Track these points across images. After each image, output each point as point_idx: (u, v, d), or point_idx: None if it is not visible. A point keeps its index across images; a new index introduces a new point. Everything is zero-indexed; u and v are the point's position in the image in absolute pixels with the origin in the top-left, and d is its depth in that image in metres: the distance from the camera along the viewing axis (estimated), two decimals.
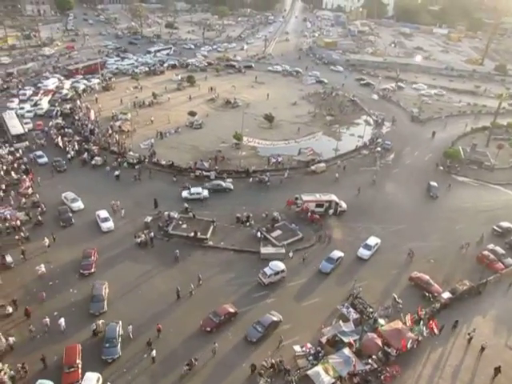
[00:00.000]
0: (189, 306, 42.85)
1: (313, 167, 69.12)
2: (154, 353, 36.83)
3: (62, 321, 38.81)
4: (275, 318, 40.86)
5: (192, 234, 51.28)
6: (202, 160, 67.91)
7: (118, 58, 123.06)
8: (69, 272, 45.37)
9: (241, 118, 68.36)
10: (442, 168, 72.97)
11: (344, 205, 59.00)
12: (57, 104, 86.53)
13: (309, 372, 36.01)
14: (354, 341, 38.81)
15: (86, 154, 67.34)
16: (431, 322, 40.99)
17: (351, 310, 42.41)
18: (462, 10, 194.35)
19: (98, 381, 33.94)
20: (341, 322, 40.86)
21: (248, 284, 45.91)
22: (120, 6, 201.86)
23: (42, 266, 44.86)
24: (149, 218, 53.49)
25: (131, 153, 68.19)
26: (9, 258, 45.45)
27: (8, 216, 51.89)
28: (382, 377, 36.56)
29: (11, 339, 37.08)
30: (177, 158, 67.92)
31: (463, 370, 38.77)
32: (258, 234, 52.79)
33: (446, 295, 45.31)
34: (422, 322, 41.02)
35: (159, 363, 36.81)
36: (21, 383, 34.28)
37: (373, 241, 52.08)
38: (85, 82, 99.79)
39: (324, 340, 39.19)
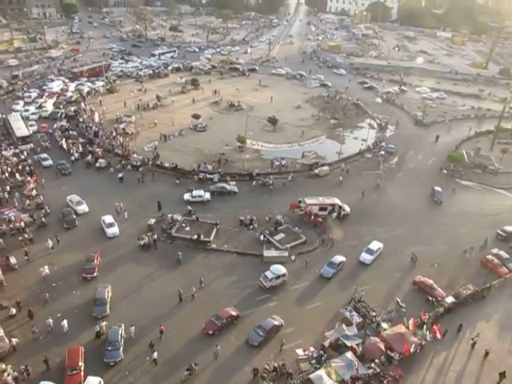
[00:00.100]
0: (191, 308, 42.87)
1: (316, 170, 69.09)
2: (155, 355, 36.88)
3: (64, 322, 38.94)
4: (277, 322, 40.76)
5: (195, 237, 51.32)
6: (206, 163, 68.02)
7: (122, 60, 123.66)
8: (72, 274, 45.53)
9: (244, 120, 68.54)
10: (445, 172, 72.75)
11: (347, 208, 58.92)
12: (61, 106, 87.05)
13: (311, 376, 35.91)
14: (357, 345, 38.68)
15: (90, 156, 67.64)
16: (434, 326, 40.81)
17: (354, 313, 42.28)
18: (466, 13, 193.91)
19: None
20: (344, 325, 40.75)
21: (251, 287, 45.87)
22: (125, 9, 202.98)
23: (46, 267, 45.05)
24: (152, 221, 53.57)
25: (135, 155, 68.40)
26: (13, 260, 45.66)
27: (12, 217, 52.13)
28: (385, 381, 36.40)
29: (14, 340, 37.23)
30: (180, 161, 68.06)
31: (467, 375, 38.56)
32: (261, 237, 52.79)
33: (450, 299, 45.10)
34: (425, 327, 40.86)
35: (161, 366, 36.84)
36: None
37: (375, 245, 51.90)
38: (89, 84, 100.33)
39: (327, 344, 39.08)
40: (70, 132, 75.96)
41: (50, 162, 65.66)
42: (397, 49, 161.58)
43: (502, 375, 37.59)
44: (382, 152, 77.36)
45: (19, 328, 39.30)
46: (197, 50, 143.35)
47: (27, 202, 55.85)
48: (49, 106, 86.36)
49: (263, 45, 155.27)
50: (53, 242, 48.82)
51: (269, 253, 50.25)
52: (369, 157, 76.60)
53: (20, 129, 72.00)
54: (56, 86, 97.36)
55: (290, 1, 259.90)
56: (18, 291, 42.99)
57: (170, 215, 54.77)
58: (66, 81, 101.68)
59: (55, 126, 77.90)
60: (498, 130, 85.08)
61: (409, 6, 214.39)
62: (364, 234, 55.53)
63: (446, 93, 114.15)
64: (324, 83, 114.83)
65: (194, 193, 59.85)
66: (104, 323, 39.34)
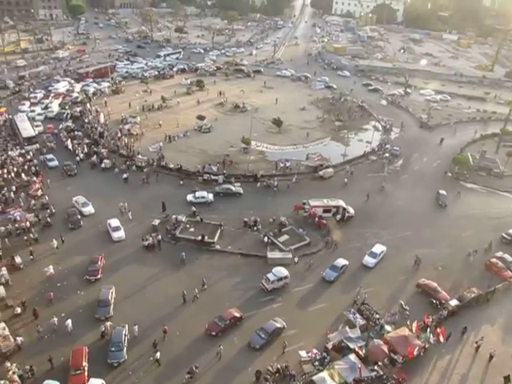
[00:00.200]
0: (195, 309, 42.96)
1: (321, 172, 69.07)
2: (158, 355, 36.98)
3: (69, 322, 39.14)
4: (279, 325, 40.72)
5: (199, 238, 51.43)
6: (210, 164, 68.17)
7: (127, 61, 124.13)
8: (77, 274, 45.71)
9: (249, 122, 68.66)
10: (450, 174, 72.55)
11: (351, 210, 58.87)
12: (67, 107, 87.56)
13: (314, 377, 35.91)
14: (360, 347, 38.64)
15: (95, 156, 67.95)
16: (438, 329, 40.70)
17: (358, 316, 42.24)
18: (473, 15, 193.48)
19: None
20: (347, 327, 40.73)
21: (254, 288, 45.90)
22: (131, 11, 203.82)
23: (51, 267, 45.29)
24: (156, 221, 53.73)
25: (140, 156, 68.65)
26: (18, 259, 45.94)
27: (18, 217, 52.45)
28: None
29: (19, 339, 37.46)
30: (185, 162, 68.22)
31: (471, 378, 38.45)
32: (265, 238, 52.83)
33: (454, 303, 44.96)
34: (428, 330, 40.76)
35: (164, 366, 36.93)
36: (28, 383, 34.60)
37: (378, 249, 51.73)
38: (95, 85, 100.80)
39: (330, 346, 39.07)
40: (76, 132, 76.41)
41: (55, 163, 66.00)
42: (402, 51, 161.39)
43: (507, 379, 37.44)
44: (387, 154, 77.28)
45: (24, 327, 39.55)
46: (202, 51, 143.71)
47: (33, 201, 56.17)
48: (55, 107, 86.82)
49: (268, 46, 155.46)
50: (58, 242, 49.06)
51: (273, 254, 50.26)
52: (373, 159, 76.52)
53: (26, 129, 72.43)
54: (62, 86, 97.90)
55: (296, 2, 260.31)
56: (23, 290, 43.25)
57: (174, 216, 54.90)
58: (72, 82, 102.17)
59: (61, 126, 78.32)
60: (503, 133, 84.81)
61: (414, 9, 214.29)
62: (368, 236, 55.48)
63: (450, 95, 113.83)
64: (329, 85, 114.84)
65: (197, 194, 59.99)
66: (109, 323, 39.48)
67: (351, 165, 73.03)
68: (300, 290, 46.51)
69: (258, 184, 64.92)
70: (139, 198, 59.53)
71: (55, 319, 39.25)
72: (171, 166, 67.21)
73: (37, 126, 76.82)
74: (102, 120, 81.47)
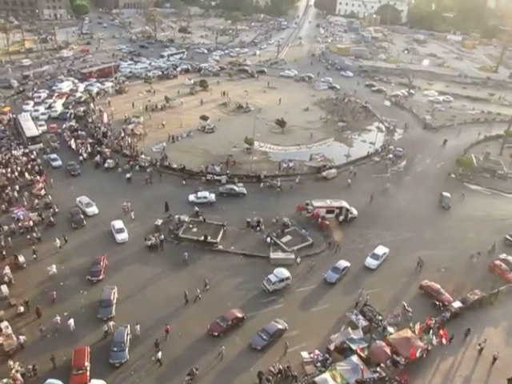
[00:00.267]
0: (197, 309, 42.94)
1: (324, 173, 68.97)
2: (159, 354, 36.95)
3: (71, 321, 39.21)
4: (280, 326, 40.60)
5: (202, 238, 51.43)
6: (214, 164, 68.18)
7: (131, 61, 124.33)
8: (79, 274, 45.76)
9: (252, 122, 68.55)
10: (454, 176, 72.31)
11: (355, 211, 58.76)
12: (71, 107, 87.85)
13: (316, 379, 35.84)
14: (363, 348, 38.52)
15: (98, 156, 68.05)
16: (441, 331, 40.54)
17: (360, 317, 42.10)
18: (477, 16, 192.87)
19: None
20: (349, 329, 40.63)
21: (256, 289, 45.83)
22: (134, 11, 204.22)
23: (54, 266, 45.40)
24: (159, 221, 53.76)
25: (143, 156, 68.72)
26: (21, 258, 46.07)
27: (21, 216, 52.61)
28: None
29: (22, 338, 37.56)
30: (188, 162, 68.24)
31: (474, 380, 38.26)
32: (268, 239, 52.77)
33: (457, 304, 44.74)
34: (431, 331, 40.61)
35: (166, 366, 36.90)
36: (31, 381, 34.69)
37: (381, 250, 51.51)
38: (98, 85, 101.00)
39: (332, 347, 38.98)
40: (79, 132, 76.60)
41: (59, 163, 66.14)
42: (406, 52, 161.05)
43: (511, 381, 37.21)
44: (390, 155, 77.11)
45: (27, 326, 39.65)
46: (206, 51, 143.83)
47: (36, 201, 56.32)
48: (58, 107, 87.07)
49: (272, 47, 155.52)
50: (61, 242, 49.18)
51: (275, 255, 50.22)
52: (377, 160, 76.37)
53: (30, 129, 72.68)
54: (65, 86, 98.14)
55: (299, 3, 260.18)
56: (26, 289, 43.37)
57: (177, 216, 54.93)
58: (76, 81, 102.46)
59: (64, 126, 78.54)
60: (507, 135, 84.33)
61: (419, 9, 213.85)
62: (371, 237, 55.35)
63: (454, 96, 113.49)
64: (332, 86, 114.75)
65: (199, 194, 59.97)
66: (112, 323, 39.52)
67: (354, 166, 72.90)
68: (302, 291, 46.42)
69: (261, 184, 64.87)
70: (142, 197, 59.59)
71: (58, 318, 39.36)
72: (174, 166, 67.26)
73: (40, 125, 77.04)
74: (105, 120, 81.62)
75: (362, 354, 37.97)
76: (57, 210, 54.84)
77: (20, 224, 51.57)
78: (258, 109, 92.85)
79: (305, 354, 38.45)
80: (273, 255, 50.12)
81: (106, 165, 66.36)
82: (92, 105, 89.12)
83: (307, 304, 44.87)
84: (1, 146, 69.57)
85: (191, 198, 59.74)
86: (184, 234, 52.55)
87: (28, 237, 49.78)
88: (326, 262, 50.15)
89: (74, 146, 71.19)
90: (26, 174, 61.90)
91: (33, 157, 67.17)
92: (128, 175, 63.69)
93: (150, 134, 78.30)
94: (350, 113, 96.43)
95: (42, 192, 58.27)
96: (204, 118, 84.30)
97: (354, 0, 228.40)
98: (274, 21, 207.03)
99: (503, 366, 39.19)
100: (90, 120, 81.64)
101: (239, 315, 41.53)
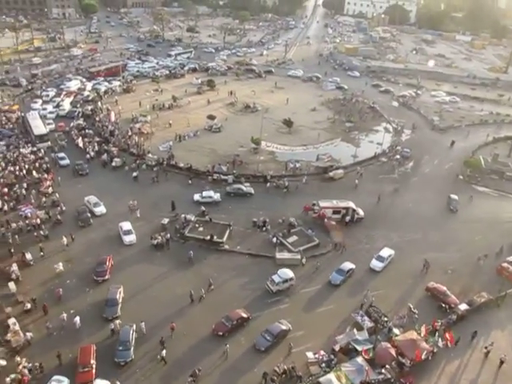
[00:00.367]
0: (202, 309, 42.98)
1: (331, 173, 68.80)
2: (163, 352, 37.04)
3: (77, 319, 39.41)
4: (284, 327, 40.47)
5: (208, 238, 51.49)
6: (220, 164, 68.23)
7: (139, 60, 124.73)
8: (86, 272, 45.93)
9: (260, 122, 68.52)
10: (462, 177, 71.84)
11: (361, 212, 58.56)
12: (78, 105, 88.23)
13: (321, 379, 35.76)
14: (368, 349, 38.35)
15: (105, 154, 68.32)
16: (447, 333, 40.30)
17: (365, 318, 41.98)
18: (487, 16, 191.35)
19: None
20: (355, 330, 40.48)
21: (262, 289, 45.76)
22: (142, 10, 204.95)
23: (60, 264, 45.63)
24: (166, 220, 53.87)
25: (150, 155, 68.90)
26: (28, 256, 46.36)
27: (29, 214, 52.92)
28: None
29: (29, 334, 37.85)
30: (195, 161, 68.29)
31: None
32: (274, 239, 52.73)
33: (463, 307, 44.44)
34: (437, 334, 40.37)
35: (170, 365, 36.95)
36: (37, 378, 34.90)
37: (386, 252, 51.18)
38: (106, 84, 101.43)
39: (337, 347, 38.88)
40: (87, 131, 76.96)
41: (67, 162, 66.38)
42: (414, 52, 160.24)
43: None
44: (398, 156, 76.77)
45: (34, 323, 39.90)
46: (213, 50, 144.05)
47: (43, 199, 56.65)
48: (66, 105, 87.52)
49: (279, 47, 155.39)
50: (67, 240, 49.40)
51: (281, 255, 50.18)
52: (384, 161, 76.07)
53: (38, 127, 73.09)
54: (73, 85, 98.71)
55: (308, 3, 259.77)
56: (33, 287, 43.65)
57: (183, 215, 55.01)
58: (84, 80, 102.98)
59: (72, 124, 78.93)
60: None
61: (427, 9, 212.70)
62: (377, 238, 55.13)
63: (463, 97, 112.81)
64: (340, 86, 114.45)
65: (204, 193, 59.99)
66: (118, 321, 39.67)
67: (361, 166, 72.65)
68: (308, 292, 46.34)
69: (268, 184, 64.81)
70: (149, 196, 59.74)
71: (64, 315, 39.60)
72: (181, 165, 67.38)
73: (48, 123, 77.45)
74: (112, 118, 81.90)
75: (366, 357, 37.79)
76: (64, 208, 55.10)
77: (27, 222, 51.91)
78: (266, 109, 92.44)
79: (310, 355, 38.37)
80: (279, 255, 50.07)
81: (114, 163, 66.61)
82: (99, 103, 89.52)
83: (312, 304, 44.77)
84: (9, 144, 70.10)
85: (196, 197, 59.80)
86: (190, 234, 52.60)
87: (35, 234, 50.11)
88: (332, 263, 50.01)
89: (81, 145, 71.57)
90: (34, 172, 62.27)
91: (40, 155, 67.57)
92: (135, 174, 63.91)
93: (157, 133, 78.49)
94: (357, 113, 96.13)
95: (50, 190, 58.60)
96: (211, 117, 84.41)
97: (363, 0, 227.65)
98: (281, 20, 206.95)
99: (510, 369, 38.88)
100: (97, 119, 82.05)
101: (244, 315, 41.51)
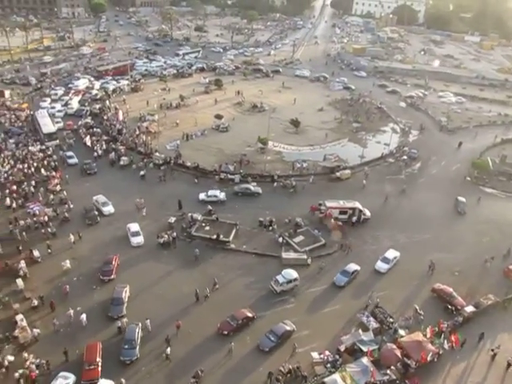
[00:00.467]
0: (207, 308, 43.04)
1: (337, 174, 68.71)
2: (168, 350, 37.18)
3: (83, 316, 39.64)
4: (288, 328, 40.40)
5: (214, 237, 51.61)
6: (227, 163, 68.36)
7: (146, 59, 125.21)
8: (92, 270, 46.14)
9: (267, 122, 68.58)
10: (469, 179, 71.44)
11: (368, 212, 58.44)
12: (86, 104, 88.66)
13: (326, 379, 35.76)
14: (372, 351, 38.28)
15: (113, 153, 68.67)
16: (452, 335, 40.13)
17: (371, 318, 41.92)
18: (496, 17, 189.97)
19: None
20: (360, 330, 40.44)
21: (267, 289, 45.76)
22: (151, 9, 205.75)
23: (67, 261, 45.92)
24: (172, 219, 54.05)
25: (157, 154, 69.15)
26: (36, 253, 46.69)
27: (37, 211, 53.29)
28: None
29: (36, 331, 38.14)
30: (202, 161, 68.47)
31: None
32: (280, 238, 52.76)
33: (470, 309, 44.22)
34: (443, 335, 40.22)
35: (175, 364, 37.04)
36: (45, 374, 35.19)
37: (391, 254, 50.95)
38: (114, 82, 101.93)
39: (342, 348, 38.83)
40: (95, 129, 77.35)
41: (75, 160, 66.62)
42: (422, 53, 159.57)
43: None
44: (405, 157, 76.51)
45: (41, 319, 40.21)
46: (221, 50, 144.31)
47: (51, 196, 57.02)
48: (74, 104, 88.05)
49: (287, 46, 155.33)
50: (75, 238, 49.69)
51: (287, 255, 50.20)
52: (391, 161, 75.84)
53: (47, 125, 73.56)
54: (82, 83, 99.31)
55: (316, 3, 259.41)
56: (40, 283, 43.97)
57: (190, 214, 55.16)
58: (92, 79, 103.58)
59: (80, 123, 79.39)
60: None
61: (436, 10, 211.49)
62: (383, 239, 55.00)
63: (471, 98, 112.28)
64: (347, 86, 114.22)
65: (209, 192, 60.04)
66: (125, 320, 39.85)
67: (368, 167, 72.46)
68: (313, 292, 46.32)
69: (275, 184, 64.83)
70: (156, 195, 59.96)
71: (71, 311, 39.89)
72: (188, 164, 67.57)
73: (57, 122, 77.95)
74: (120, 117, 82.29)
75: (371, 358, 37.73)
76: (71, 206, 55.42)
77: (35, 219, 52.26)
78: (273, 108, 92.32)
79: (315, 355, 38.34)
80: (285, 255, 50.09)
81: (121, 162, 66.89)
82: (107, 102, 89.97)
83: (318, 304, 44.73)
84: (18, 142, 70.60)
85: (201, 196, 59.95)
86: (196, 232, 52.74)
87: (43, 231, 50.47)
88: (337, 264, 49.94)
89: (89, 143, 71.95)
90: (42, 170, 62.70)
91: (49, 153, 68.03)
92: (142, 172, 64.18)
93: (164, 132, 78.75)
94: (364, 113, 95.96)
95: (58, 188, 58.95)
96: (218, 116, 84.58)
97: (371, 0, 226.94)
98: (289, 20, 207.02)
99: None
100: (105, 117, 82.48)
101: (249, 315, 41.56)
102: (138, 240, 50.51)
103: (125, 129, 78.20)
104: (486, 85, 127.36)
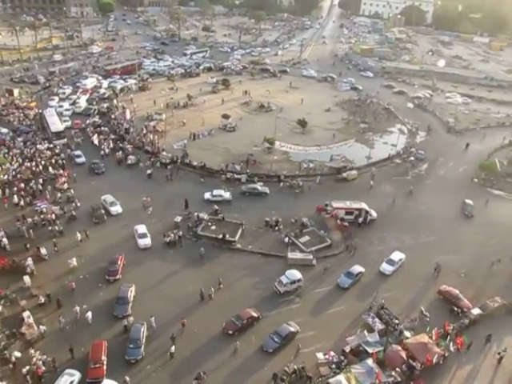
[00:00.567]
0: (212, 307, 43.12)
1: (344, 174, 68.57)
2: (172, 348, 37.28)
3: (89, 314, 39.92)
4: (292, 329, 40.36)
5: (220, 236, 51.69)
6: (234, 163, 68.42)
7: (154, 59, 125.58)
8: (99, 268, 46.37)
9: (274, 122, 68.59)
10: (476, 181, 71.02)
11: (374, 213, 58.28)
12: (94, 103, 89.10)
13: (330, 380, 35.74)
14: (378, 352, 38.17)
15: (120, 152, 68.96)
16: (458, 337, 39.92)
17: (376, 320, 41.79)
18: (505, 17, 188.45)
19: None
20: (365, 331, 40.34)
21: (272, 289, 45.72)
22: (159, 9, 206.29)
23: (74, 259, 46.20)
24: (179, 218, 54.18)
25: (164, 153, 69.35)
26: (43, 251, 47.02)
27: (44, 209, 53.66)
28: None
29: (42, 328, 38.43)
30: (209, 160, 68.61)
31: None
32: (286, 239, 52.75)
33: (476, 311, 43.97)
34: (448, 337, 40.02)
35: (180, 363, 37.16)
36: (51, 370, 35.40)
37: (397, 256, 50.72)
38: (122, 82, 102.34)
39: (347, 349, 38.77)
40: (102, 128, 77.75)
41: (83, 159, 66.85)
42: (430, 53, 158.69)
43: None
44: (412, 158, 76.19)
45: (47, 316, 40.47)
46: (229, 50, 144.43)
47: (59, 194, 57.37)
48: (82, 103, 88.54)
49: (295, 46, 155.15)
50: (81, 236, 49.98)
51: (293, 255, 50.18)
52: (398, 162, 75.56)
53: (55, 124, 74.00)
54: (90, 82, 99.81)
55: (323, 3, 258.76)
56: (47, 281, 44.28)
57: (196, 213, 55.27)
58: (100, 78, 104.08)
59: (88, 121, 79.82)
60: None
61: (444, 10, 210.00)
62: (389, 240, 54.82)
63: (479, 99, 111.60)
64: (354, 86, 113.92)
65: (215, 192, 60.10)
66: (131, 318, 40.01)
67: (376, 167, 72.22)
68: (318, 292, 46.26)
69: (281, 184, 64.81)
70: (162, 194, 60.15)
71: (77, 308, 40.19)
72: (195, 163, 67.71)
73: (65, 120, 78.41)
74: (128, 116, 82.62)
75: (376, 359, 37.63)
76: (79, 205, 55.72)
77: (43, 217, 52.63)
78: (280, 108, 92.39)
79: (320, 355, 38.32)
80: (290, 255, 50.08)
81: (128, 161, 67.17)
82: (115, 101, 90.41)
83: (323, 305, 44.67)
84: (27, 141, 71.15)
85: (207, 195, 60.03)
86: (202, 232, 52.85)
87: (50, 229, 50.81)
88: (342, 265, 49.81)
89: (96, 142, 72.31)
90: (50, 168, 63.10)
91: (57, 151, 68.43)
92: (149, 171, 64.40)
93: (171, 131, 78.91)
94: (371, 114, 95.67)
95: (65, 186, 59.32)
96: (225, 116, 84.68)
97: (379, 0, 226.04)
98: (297, 20, 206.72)
99: None
100: (112, 116, 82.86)
101: (254, 314, 41.59)
102: (145, 242, 50.24)
103: (132, 128, 78.54)
104: (495, 86, 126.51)
